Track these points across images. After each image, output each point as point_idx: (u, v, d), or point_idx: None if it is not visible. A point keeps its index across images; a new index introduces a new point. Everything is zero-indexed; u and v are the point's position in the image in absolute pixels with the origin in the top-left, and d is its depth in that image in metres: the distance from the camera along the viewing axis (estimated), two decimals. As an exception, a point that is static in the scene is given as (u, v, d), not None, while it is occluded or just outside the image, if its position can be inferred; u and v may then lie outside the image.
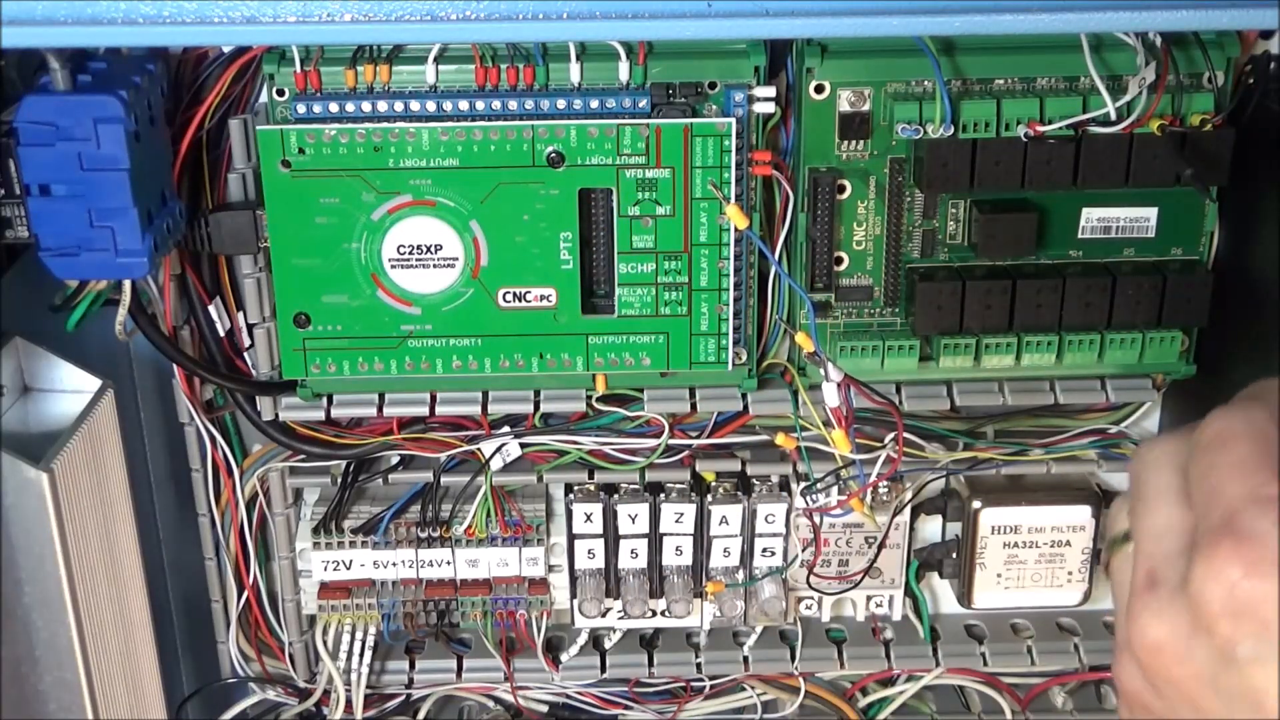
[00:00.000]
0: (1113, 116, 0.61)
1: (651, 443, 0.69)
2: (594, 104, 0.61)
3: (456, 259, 0.63)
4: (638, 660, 0.77)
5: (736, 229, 0.62)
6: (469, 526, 0.71)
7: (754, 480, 0.72)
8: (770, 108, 0.62)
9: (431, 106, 0.61)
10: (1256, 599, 0.38)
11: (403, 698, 0.78)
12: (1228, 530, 0.39)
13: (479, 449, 0.70)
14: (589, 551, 0.73)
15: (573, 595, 0.74)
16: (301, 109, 0.61)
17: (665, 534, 0.72)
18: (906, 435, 0.67)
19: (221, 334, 0.68)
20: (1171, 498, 0.43)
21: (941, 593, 0.78)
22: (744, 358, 0.66)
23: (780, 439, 0.68)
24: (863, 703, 0.79)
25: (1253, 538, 0.39)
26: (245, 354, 0.69)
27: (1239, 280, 0.66)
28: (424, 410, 0.68)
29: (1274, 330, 0.63)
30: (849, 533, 0.73)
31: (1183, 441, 0.44)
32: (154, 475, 0.75)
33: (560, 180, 0.62)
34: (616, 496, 0.72)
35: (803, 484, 0.70)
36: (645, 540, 0.72)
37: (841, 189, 0.65)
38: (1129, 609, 0.42)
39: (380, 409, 0.68)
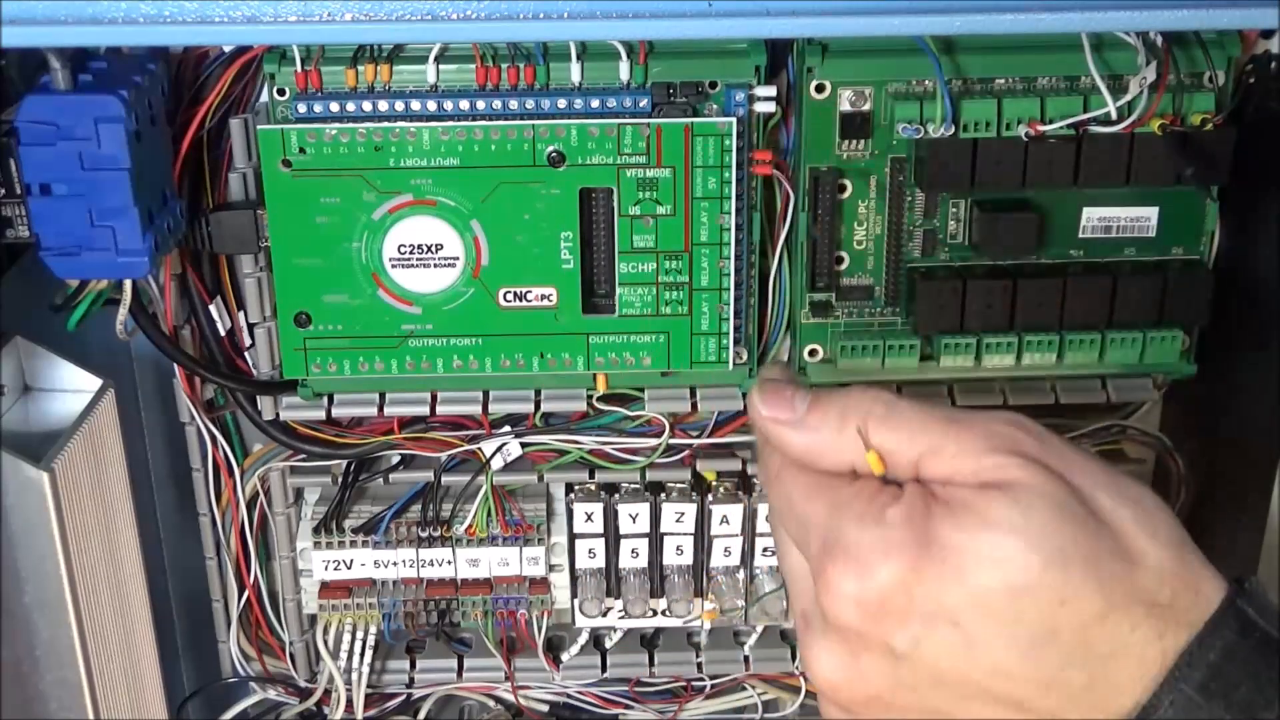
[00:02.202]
0: (1113, 116, 0.61)
1: (652, 442, 0.69)
2: (595, 103, 0.61)
3: (457, 258, 0.63)
4: (638, 660, 0.77)
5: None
6: (470, 526, 0.71)
7: (755, 479, 0.72)
8: (771, 107, 0.62)
9: (432, 106, 0.61)
10: (881, 597, 0.41)
11: (403, 697, 0.78)
12: (825, 553, 0.42)
13: (479, 448, 0.70)
14: (590, 551, 0.73)
15: (573, 595, 0.74)
16: (302, 108, 0.61)
17: (666, 533, 0.72)
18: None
19: (222, 333, 0.68)
20: (786, 544, 0.46)
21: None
22: (745, 357, 0.66)
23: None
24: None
25: (844, 547, 0.41)
26: (246, 353, 0.69)
27: (1240, 280, 0.66)
28: (424, 410, 0.68)
29: (1275, 329, 0.63)
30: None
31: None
32: (155, 475, 0.75)
33: (561, 180, 0.61)
34: (617, 496, 0.72)
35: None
36: (646, 540, 0.72)
37: (842, 188, 0.65)
38: (800, 653, 0.45)
39: (381, 409, 0.68)
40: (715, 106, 0.62)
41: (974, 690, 0.41)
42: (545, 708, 0.79)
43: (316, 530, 0.72)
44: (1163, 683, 0.39)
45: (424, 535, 0.71)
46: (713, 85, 0.62)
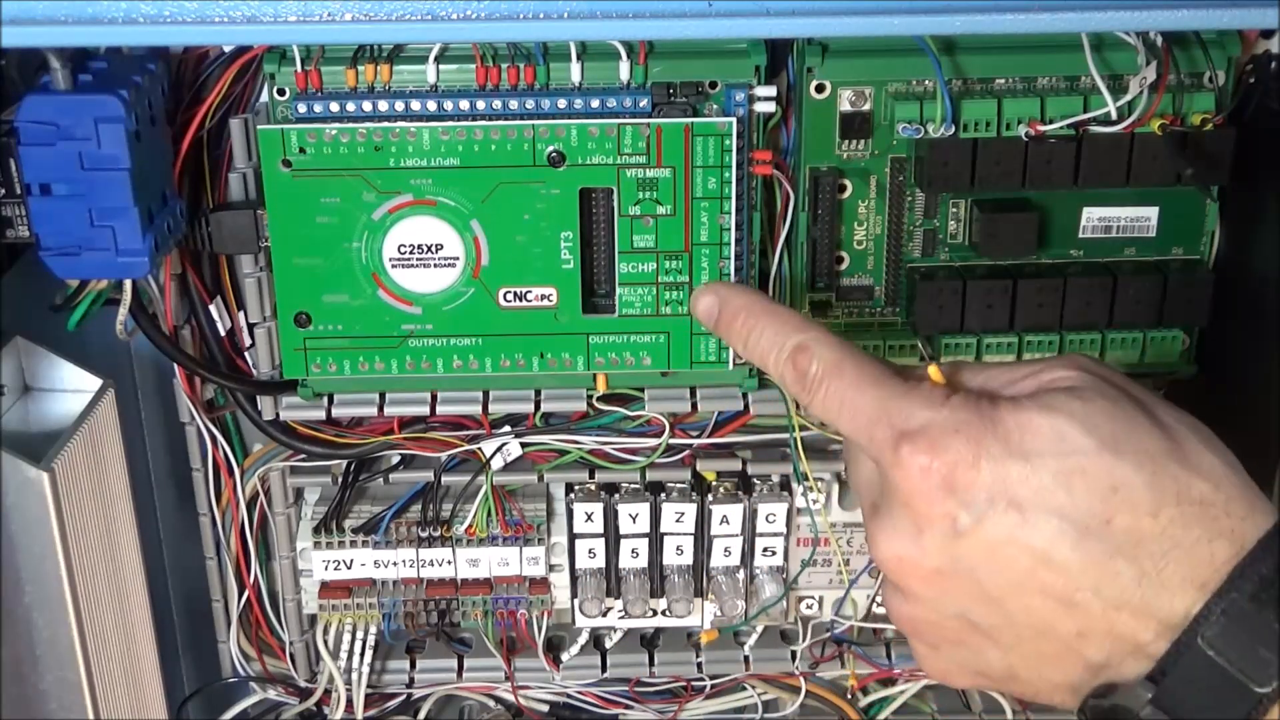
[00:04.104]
0: (1113, 116, 0.61)
1: (652, 442, 0.69)
2: (595, 103, 0.61)
3: (457, 258, 0.63)
4: (638, 660, 0.77)
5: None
6: (470, 526, 0.71)
7: (755, 480, 0.72)
8: (771, 107, 0.62)
9: (432, 106, 0.61)
10: (951, 471, 0.42)
11: (403, 697, 0.78)
12: (899, 435, 0.44)
13: (480, 448, 0.70)
14: (590, 551, 0.73)
15: (573, 595, 0.74)
16: (302, 108, 0.61)
17: (666, 533, 0.72)
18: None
19: (222, 333, 0.68)
20: (853, 451, 0.48)
21: (942, 592, 0.78)
22: (745, 357, 0.66)
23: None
24: (863, 702, 0.79)
25: (917, 427, 0.43)
26: (246, 353, 0.69)
27: (1240, 280, 0.66)
28: (425, 410, 0.68)
29: (1275, 330, 0.63)
30: (850, 531, 0.73)
31: None
32: (155, 475, 0.75)
33: (561, 180, 0.61)
34: (617, 496, 0.72)
35: (804, 483, 0.70)
36: (646, 540, 0.72)
37: (842, 188, 0.65)
38: (868, 540, 0.46)
39: (381, 408, 0.67)
40: (715, 106, 0.62)
41: (1025, 577, 0.42)
42: (545, 708, 0.79)
43: (316, 530, 0.72)
44: (1216, 592, 0.40)
45: (424, 535, 0.71)
46: (713, 85, 0.62)
